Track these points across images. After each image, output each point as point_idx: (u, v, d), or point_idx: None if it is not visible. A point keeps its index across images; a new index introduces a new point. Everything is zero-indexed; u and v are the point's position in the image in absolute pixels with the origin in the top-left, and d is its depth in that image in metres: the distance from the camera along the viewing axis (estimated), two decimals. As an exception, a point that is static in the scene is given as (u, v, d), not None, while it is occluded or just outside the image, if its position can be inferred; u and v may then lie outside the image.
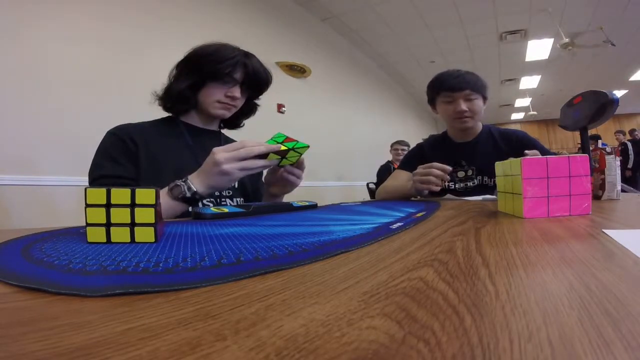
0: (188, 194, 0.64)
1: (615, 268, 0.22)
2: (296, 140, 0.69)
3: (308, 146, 0.69)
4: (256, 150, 0.65)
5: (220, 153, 0.64)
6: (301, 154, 0.72)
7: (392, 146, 4.06)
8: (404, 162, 1.36)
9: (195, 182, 0.65)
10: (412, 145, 1.55)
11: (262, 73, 0.88)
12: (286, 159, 0.70)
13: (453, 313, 0.15)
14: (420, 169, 1.02)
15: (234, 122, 0.97)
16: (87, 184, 0.73)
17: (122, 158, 0.75)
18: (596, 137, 3.68)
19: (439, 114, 1.28)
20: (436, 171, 0.98)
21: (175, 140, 0.83)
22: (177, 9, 2.50)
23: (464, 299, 0.17)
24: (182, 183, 0.65)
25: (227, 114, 0.88)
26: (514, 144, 1.20)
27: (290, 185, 0.79)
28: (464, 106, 1.17)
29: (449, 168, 0.99)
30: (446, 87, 1.19)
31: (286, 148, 0.67)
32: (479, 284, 0.20)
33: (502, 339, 0.13)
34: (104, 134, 0.79)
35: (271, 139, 0.70)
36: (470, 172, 1.21)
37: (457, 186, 1.22)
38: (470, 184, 1.20)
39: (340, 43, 4.68)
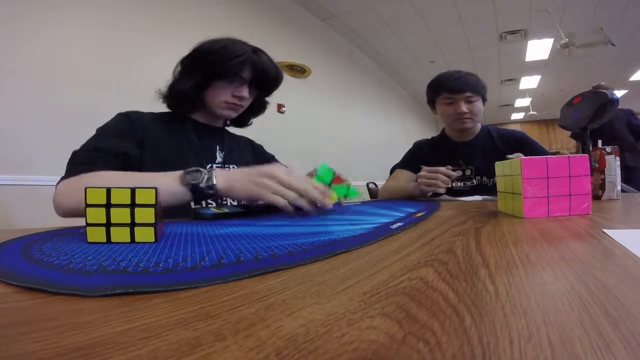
0: (202, 184, 0.58)
1: (615, 268, 0.22)
2: (346, 183, 0.64)
3: (359, 194, 0.67)
4: (308, 199, 0.58)
5: (277, 171, 0.58)
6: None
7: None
8: (403, 162, 1.36)
9: (219, 176, 0.60)
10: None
11: (271, 71, 0.83)
12: None
13: (453, 313, 0.15)
14: (425, 172, 1.04)
15: (242, 120, 0.95)
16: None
17: (127, 136, 0.71)
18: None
19: (438, 114, 1.28)
20: (442, 176, 1.01)
21: (180, 135, 0.82)
22: (176, 9, 2.50)
23: (464, 299, 0.17)
24: (204, 170, 0.59)
25: (234, 115, 0.86)
26: (513, 144, 1.20)
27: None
28: (464, 108, 1.17)
29: (454, 174, 1.02)
30: (447, 88, 1.19)
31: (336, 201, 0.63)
32: (479, 284, 0.20)
33: (502, 339, 0.13)
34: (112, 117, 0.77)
35: (318, 175, 0.64)
36: (468, 172, 1.21)
37: (454, 184, 1.22)
38: (468, 183, 1.21)
39: (340, 43, 4.68)
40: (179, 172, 0.60)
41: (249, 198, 0.61)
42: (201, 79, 0.80)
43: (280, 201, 0.56)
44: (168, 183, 0.59)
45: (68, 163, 0.67)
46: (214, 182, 0.58)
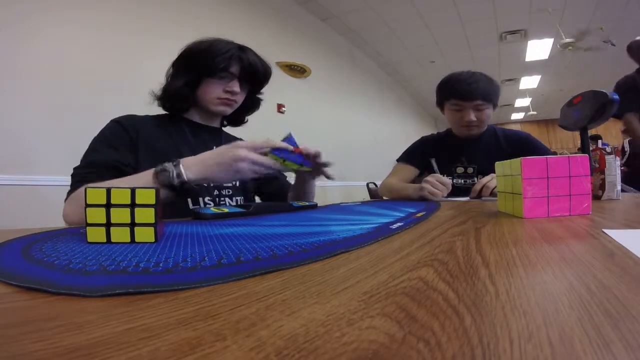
0: (175, 182, 0.60)
1: (615, 268, 0.22)
2: (301, 159, 0.69)
3: (310, 170, 0.72)
4: (278, 165, 0.66)
5: (242, 150, 0.62)
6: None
7: None
8: (406, 155, 1.35)
9: (190, 170, 0.61)
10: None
11: (259, 66, 0.86)
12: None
13: (453, 313, 0.15)
14: (434, 180, 1.01)
15: (237, 118, 0.96)
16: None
17: (120, 145, 0.74)
18: (596, 137, 3.68)
19: (445, 117, 1.26)
20: (446, 190, 1.00)
21: (176, 136, 0.83)
22: (176, 9, 2.50)
23: (464, 299, 0.17)
24: (172, 168, 0.60)
25: (229, 110, 0.87)
26: (517, 145, 1.20)
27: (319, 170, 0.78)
28: (472, 116, 1.13)
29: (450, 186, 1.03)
30: (457, 95, 1.14)
31: (291, 169, 0.69)
32: (479, 284, 0.20)
33: (502, 339, 0.13)
34: (106, 124, 0.78)
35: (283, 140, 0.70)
36: (470, 170, 1.21)
37: (454, 181, 1.22)
38: (469, 181, 1.20)
39: (340, 43, 4.68)
40: (151, 171, 0.62)
41: (232, 181, 0.67)
42: (192, 77, 0.82)
43: (261, 173, 0.64)
44: (145, 182, 0.61)
45: (70, 180, 0.71)
46: (185, 178, 0.60)
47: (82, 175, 0.70)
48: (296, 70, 3.60)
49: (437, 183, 1.00)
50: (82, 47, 1.93)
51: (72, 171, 0.72)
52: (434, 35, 4.78)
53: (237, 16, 3.01)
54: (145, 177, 0.63)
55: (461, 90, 1.13)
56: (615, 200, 0.82)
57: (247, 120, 0.99)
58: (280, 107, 3.39)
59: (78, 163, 0.74)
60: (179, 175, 0.60)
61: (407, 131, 6.86)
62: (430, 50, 5.27)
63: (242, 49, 0.84)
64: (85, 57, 1.94)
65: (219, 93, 0.83)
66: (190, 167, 0.61)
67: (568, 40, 4.43)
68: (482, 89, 1.11)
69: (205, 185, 0.80)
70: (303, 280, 0.21)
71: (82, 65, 1.92)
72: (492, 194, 0.99)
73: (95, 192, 0.34)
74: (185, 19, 2.51)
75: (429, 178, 1.03)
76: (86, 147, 0.76)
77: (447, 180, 1.02)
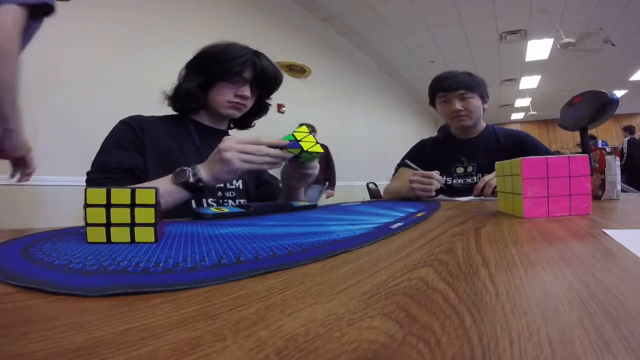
0: (191, 179, 0.63)
1: (615, 268, 0.22)
2: (314, 141, 0.67)
3: (322, 152, 0.68)
4: (265, 150, 0.64)
5: (227, 141, 0.64)
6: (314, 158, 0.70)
7: None
8: (406, 159, 1.36)
9: (202, 170, 0.65)
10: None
11: (271, 72, 0.87)
12: (300, 157, 0.68)
13: (453, 313, 0.15)
14: (419, 177, 1.03)
15: (244, 122, 0.97)
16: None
17: (130, 147, 0.75)
18: (591, 138, 3.66)
19: (439, 114, 1.29)
20: (436, 182, 1.01)
21: (183, 137, 0.83)
22: (178, 9, 2.50)
23: (464, 299, 0.17)
24: (188, 169, 0.64)
25: (237, 114, 0.87)
26: (517, 143, 1.21)
27: (307, 177, 0.77)
28: (458, 105, 1.19)
29: (442, 179, 1.04)
30: (441, 87, 1.22)
31: (295, 154, 0.65)
32: (479, 284, 0.20)
33: (502, 339, 0.13)
34: (114, 125, 0.78)
35: (291, 134, 0.67)
36: (470, 169, 1.21)
37: (454, 182, 1.23)
38: (469, 180, 1.21)
39: (340, 43, 4.68)
40: (169, 175, 0.65)
41: (233, 177, 0.67)
42: (205, 79, 0.83)
43: (252, 167, 0.64)
44: (163, 184, 0.63)
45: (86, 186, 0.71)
46: (200, 176, 0.64)
47: (99, 181, 0.70)
48: (296, 70, 3.60)
49: (423, 179, 1.02)
50: (85, 46, 1.93)
51: (74, 176, 0.72)
52: (434, 35, 4.79)
53: (238, 15, 3.02)
54: (163, 181, 0.64)
55: (444, 83, 1.22)
56: (615, 200, 0.82)
57: (254, 125, 1.00)
58: (280, 107, 3.40)
59: (80, 163, 0.74)
60: (195, 174, 0.63)
61: (407, 131, 6.86)
62: (430, 50, 5.28)
63: (257, 54, 0.85)
64: (88, 56, 1.94)
65: (230, 97, 0.84)
66: (203, 168, 0.65)
67: (568, 40, 4.43)
68: (462, 80, 1.20)
69: (212, 185, 0.80)
70: (303, 280, 0.21)
71: (84, 64, 1.92)
72: (494, 193, 0.99)
73: (95, 192, 0.34)
74: (184, 19, 2.51)
75: (413, 178, 1.04)
76: (89, 147, 0.76)
77: (432, 172, 1.02)
